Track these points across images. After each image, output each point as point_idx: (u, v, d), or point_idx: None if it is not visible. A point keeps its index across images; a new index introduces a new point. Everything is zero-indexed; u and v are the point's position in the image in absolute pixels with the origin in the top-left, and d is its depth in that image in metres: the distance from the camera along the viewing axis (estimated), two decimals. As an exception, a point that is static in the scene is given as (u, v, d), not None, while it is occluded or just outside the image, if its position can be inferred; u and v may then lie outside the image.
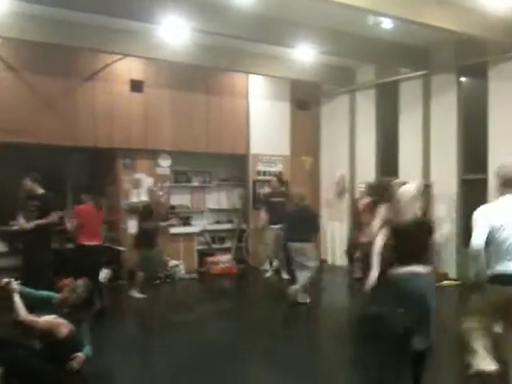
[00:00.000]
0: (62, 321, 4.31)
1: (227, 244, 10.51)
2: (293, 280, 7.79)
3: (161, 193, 9.77)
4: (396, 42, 8.84)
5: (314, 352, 5.78)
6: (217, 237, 10.54)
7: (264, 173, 10.95)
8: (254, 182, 10.75)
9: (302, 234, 7.24)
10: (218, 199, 10.81)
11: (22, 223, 6.80)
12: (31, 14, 7.40)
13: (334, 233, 10.99)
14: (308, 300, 7.51)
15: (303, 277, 7.32)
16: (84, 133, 8.96)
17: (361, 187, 8.49)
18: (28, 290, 4.55)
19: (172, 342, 5.95)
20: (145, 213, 8.17)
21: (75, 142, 8.91)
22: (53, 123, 8.66)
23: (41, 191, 6.85)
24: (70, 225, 7.16)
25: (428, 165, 9.55)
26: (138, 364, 5.32)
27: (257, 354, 5.68)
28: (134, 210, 8.99)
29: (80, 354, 4.39)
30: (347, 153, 11.09)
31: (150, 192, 9.57)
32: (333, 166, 11.32)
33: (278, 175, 10.41)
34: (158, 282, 9.10)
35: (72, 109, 8.87)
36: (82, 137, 8.94)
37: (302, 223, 7.28)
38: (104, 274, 8.63)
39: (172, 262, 9.56)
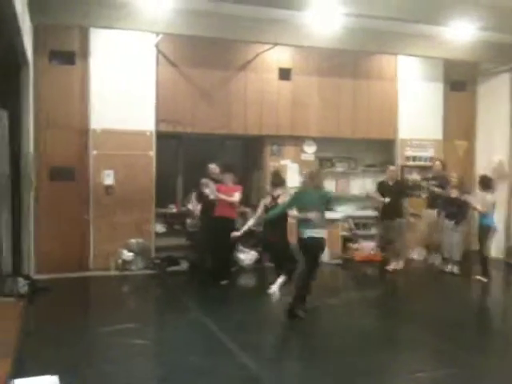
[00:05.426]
0: None
1: (372, 231, 10.32)
2: None
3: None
4: None
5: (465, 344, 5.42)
6: (361, 223, 10.41)
7: (413, 158, 10.53)
8: (403, 168, 10.39)
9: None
10: (364, 185, 10.66)
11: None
12: (187, 10, 7.77)
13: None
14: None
15: None
16: (236, 121, 9.38)
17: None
18: None
19: (317, 324, 6.15)
20: None
21: (228, 130, 9.38)
22: (208, 113, 9.18)
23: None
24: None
25: None
26: (280, 340, 5.62)
27: (403, 343, 5.61)
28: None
29: None
30: (507, 136, 10.20)
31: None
32: (490, 151, 10.50)
33: (441, 158, 10.09)
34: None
35: (226, 99, 9.32)
36: (234, 125, 9.38)
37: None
38: (250, 256, 9.11)
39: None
